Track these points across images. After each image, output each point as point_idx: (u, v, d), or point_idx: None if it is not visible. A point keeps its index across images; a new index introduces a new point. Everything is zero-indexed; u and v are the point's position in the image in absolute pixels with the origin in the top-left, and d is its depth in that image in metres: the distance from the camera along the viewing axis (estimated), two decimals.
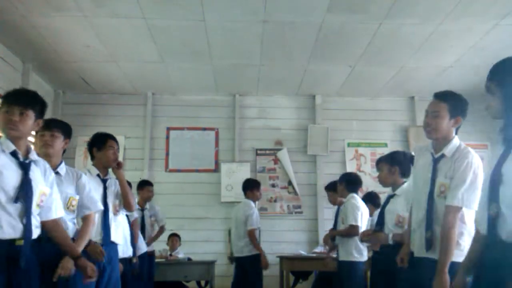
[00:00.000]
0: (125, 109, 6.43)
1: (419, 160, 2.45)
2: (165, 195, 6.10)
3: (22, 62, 5.32)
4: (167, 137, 6.41)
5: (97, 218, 3.09)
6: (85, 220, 2.79)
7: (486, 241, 1.73)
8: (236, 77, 5.98)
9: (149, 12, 4.32)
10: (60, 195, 2.64)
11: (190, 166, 6.33)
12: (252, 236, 4.85)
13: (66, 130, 2.80)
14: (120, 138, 6.02)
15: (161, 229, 5.40)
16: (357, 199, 4.24)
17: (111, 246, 3.16)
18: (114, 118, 6.35)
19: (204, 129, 6.46)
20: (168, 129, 6.43)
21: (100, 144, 3.30)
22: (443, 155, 2.31)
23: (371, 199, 4.70)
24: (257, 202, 5.22)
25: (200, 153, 6.38)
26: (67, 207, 2.68)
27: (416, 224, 2.35)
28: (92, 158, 3.34)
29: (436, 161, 2.33)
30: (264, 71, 5.77)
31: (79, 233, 2.71)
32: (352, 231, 4.09)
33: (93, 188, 2.92)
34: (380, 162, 3.54)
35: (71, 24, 4.51)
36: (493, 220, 1.66)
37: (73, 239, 2.63)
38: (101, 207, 2.99)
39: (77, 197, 2.75)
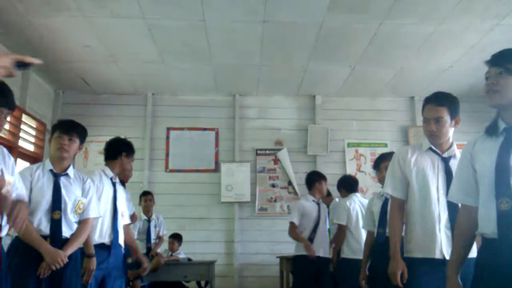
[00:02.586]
0: (125, 109, 6.43)
1: (419, 160, 2.41)
2: (165, 195, 6.10)
3: None
4: (167, 137, 6.40)
5: (107, 221, 3.15)
6: (82, 223, 2.76)
7: (494, 244, 1.63)
8: (236, 77, 5.97)
9: (149, 12, 4.31)
10: (70, 198, 2.69)
11: (190, 166, 6.32)
12: (289, 229, 4.55)
13: (82, 135, 2.83)
14: None
15: (161, 239, 5.49)
16: (348, 199, 4.44)
17: (119, 248, 3.21)
18: (114, 118, 6.35)
19: (204, 129, 6.46)
20: (168, 129, 6.43)
21: (129, 153, 3.43)
22: (455, 156, 2.37)
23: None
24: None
25: (200, 153, 6.37)
26: (75, 210, 2.71)
27: (439, 224, 2.28)
28: (110, 158, 3.37)
29: (446, 161, 2.36)
30: (264, 71, 5.76)
31: (74, 235, 2.68)
32: (339, 230, 4.36)
33: (95, 194, 2.94)
34: (381, 163, 3.55)
35: (70, 24, 4.51)
36: (505, 217, 1.58)
37: (67, 239, 2.64)
38: (100, 215, 2.98)
39: (85, 200, 2.77)
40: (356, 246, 4.15)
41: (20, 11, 4.23)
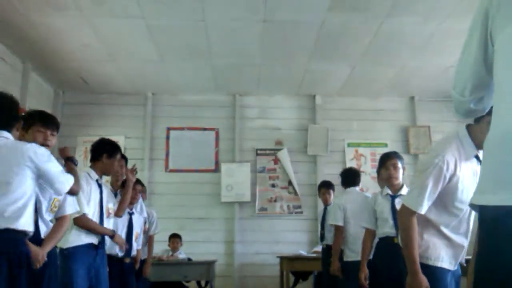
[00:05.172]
0: (125, 109, 6.41)
1: (465, 173, 2.15)
2: (165, 195, 6.09)
3: (22, 62, 5.30)
4: (167, 137, 6.39)
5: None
6: (60, 221, 2.68)
7: None
8: (236, 77, 5.96)
9: (148, 11, 4.30)
10: (45, 197, 2.56)
11: (190, 166, 6.31)
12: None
13: (59, 129, 2.74)
14: (120, 138, 6.14)
15: (151, 239, 4.75)
16: (343, 196, 4.27)
17: (105, 248, 3.32)
18: (113, 118, 6.34)
19: (204, 129, 6.44)
20: (168, 129, 6.42)
21: (112, 153, 3.36)
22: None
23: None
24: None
25: (200, 153, 6.36)
26: (50, 208, 2.60)
27: (465, 237, 2.24)
28: (94, 159, 3.34)
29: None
30: (264, 71, 5.75)
31: (50, 233, 2.59)
32: (336, 231, 4.17)
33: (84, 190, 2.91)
34: (383, 162, 3.52)
35: (70, 23, 4.50)
36: None
37: (42, 239, 2.55)
38: (77, 209, 2.92)
39: (60, 197, 2.67)
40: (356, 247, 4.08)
41: (20, 10, 4.22)
